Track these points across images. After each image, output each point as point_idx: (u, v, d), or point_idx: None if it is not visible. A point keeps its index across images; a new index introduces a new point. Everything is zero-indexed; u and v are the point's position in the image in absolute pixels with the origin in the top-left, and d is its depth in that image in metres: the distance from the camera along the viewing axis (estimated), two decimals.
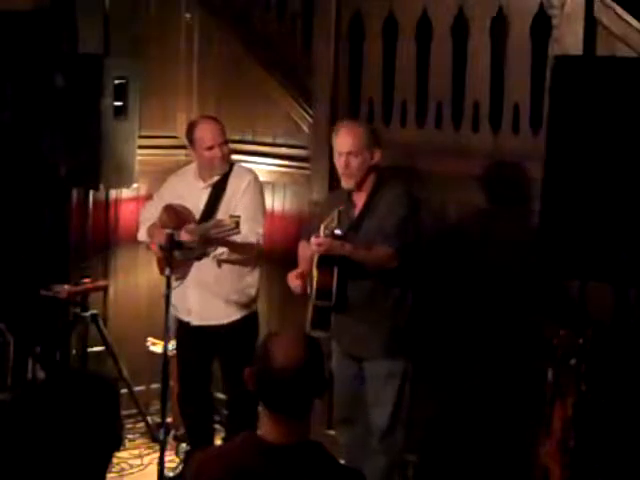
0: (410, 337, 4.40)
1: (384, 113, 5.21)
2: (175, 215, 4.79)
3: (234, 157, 5.07)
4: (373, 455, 4.37)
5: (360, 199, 4.39)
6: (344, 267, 4.20)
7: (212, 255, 4.72)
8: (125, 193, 5.80)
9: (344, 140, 4.33)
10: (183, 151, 5.43)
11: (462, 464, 4.79)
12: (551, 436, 3.95)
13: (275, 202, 5.68)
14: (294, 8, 5.75)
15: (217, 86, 6.03)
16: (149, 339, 5.65)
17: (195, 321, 4.93)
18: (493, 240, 4.72)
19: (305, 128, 5.59)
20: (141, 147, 5.50)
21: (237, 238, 4.55)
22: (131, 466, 5.29)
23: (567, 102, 3.67)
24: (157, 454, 4.65)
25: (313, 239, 4.18)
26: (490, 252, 4.73)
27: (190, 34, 6.11)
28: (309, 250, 4.29)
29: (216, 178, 4.88)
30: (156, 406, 5.51)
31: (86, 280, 5.52)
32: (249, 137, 5.83)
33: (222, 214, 4.75)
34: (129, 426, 5.54)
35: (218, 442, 5.15)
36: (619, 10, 4.29)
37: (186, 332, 5.00)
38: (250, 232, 4.69)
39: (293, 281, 4.40)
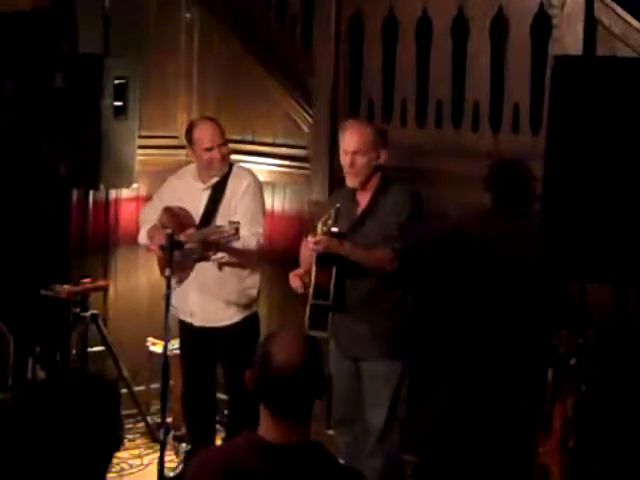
0: (409, 338, 4.39)
1: (384, 113, 5.21)
2: (174, 218, 4.78)
3: (234, 157, 5.07)
4: (370, 456, 4.37)
5: (364, 199, 4.39)
6: (343, 267, 4.20)
7: (213, 259, 4.72)
8: (125, 193, 5.79)
9: (351, 139, 4.33)
10: (183, 151, 5.43)
11: (462, 464, 4.79)
12: (551, 436, 3.95)
13: (275, 202, 5.68)
14: (294, 8, 5.75)
15: (217, 86, 6.03)
16: (149, 339, 5.65)
17: (197, 322, 4.93)
18: (493, 240, 4.72)
19: (305, 128, 5.59)
20: (141, 147, 5.50)
21: (237, 244, 4.55)
22: (131, 466, 5.28)
23: (567, 102, 3.67)
24: (157, 454, 4.64)
25: (310, 237, 4.19)
26: (490, 252, 4.73)
27: (190, 34, 6.10)
28: (309, 249, 4.29)
29: (215, 179, 4.87)
30: (156, 406, 5.50)
31: (86, 280, 5.51)
32: (249, 137, 5.83)
33: (222, 216, 4.75)
34: (129, 426, 5.53)
35: (218, 442, 5.15)
36: (619, 10, 4.30)
37: (189, 333, 5.00)
38: (251, 234, 4.68)
39: (294, 281, 4.40)
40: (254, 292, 4.95)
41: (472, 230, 4.82)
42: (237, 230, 4.38)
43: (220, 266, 4.77)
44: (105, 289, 5.77)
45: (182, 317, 4.99)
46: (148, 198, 5.40)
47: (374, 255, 4.20)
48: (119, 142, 5.27)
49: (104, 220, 5.78)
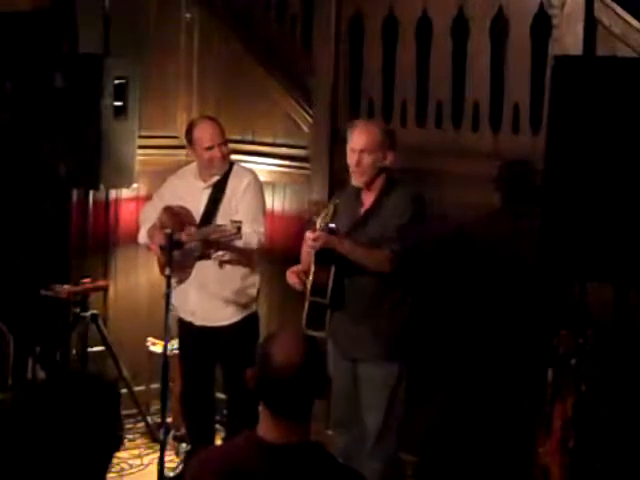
0: (408, 340, 4.39)
1: (384, 113, 5.21)
2: (174, 217, 4.79)
3: (234, 157, 5.07)
4: (369, 458, 4.36)
5: (368, 199, 4.39)
6: (341, 265, 4.20)
7: (213, 257, 4.72)
8: (125, 193, 5.79)
9: (358, 137, 4.34)
10: (183, 151, 5.43)
11: (462, 464, 4.78)
12: (551, 436, 3.94)
13: (275, 202, 5.68)
14: (294, 8, 5.75)
15: (217, 86, 6.03)
16: (149, 339, 5.65)
17: (198, 322, 4.93)
18: (493, 240, 4.72)
19: (305, 128, 5.59)
20: (141, 147, 5.50)
21: (239, 242, 4.56)
22: (131, 466, 5.28)
23: (567, 102, 3.67)
24: (157, 454, 4.64)
25: (308, 233, 4.19)
26: (490, 252, 4.73)
27: (190, 34, 6.11)
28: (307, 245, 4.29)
29: (216, 178, 4.88)
30: (156, 406, 5.51)
31: (86, 280, 5.51)
32: (249, 137, 5.83)
33: (222, 215, 4.76)
34: (129, 426, 5.53)
35: (218, 442, 5.15)
36: (619, 10, 4.30)
37: (189, 332, 5.00)
38: (252, 233, 4.69)
39: (291, 277, 4.40)
40: (254, 291, 4.96)
41: (472, 230, 4.81)
42: (239, 229, 4.38)
43: (221, 264, 4.77)
44: (105, 289, 5.77)
45: (182, 316, 4.99)
46: (148, 198, 5.40)
47: (373, 255, 4.20)
48: (119, 142, 5.27)
49: (104, 220, 5.78)
